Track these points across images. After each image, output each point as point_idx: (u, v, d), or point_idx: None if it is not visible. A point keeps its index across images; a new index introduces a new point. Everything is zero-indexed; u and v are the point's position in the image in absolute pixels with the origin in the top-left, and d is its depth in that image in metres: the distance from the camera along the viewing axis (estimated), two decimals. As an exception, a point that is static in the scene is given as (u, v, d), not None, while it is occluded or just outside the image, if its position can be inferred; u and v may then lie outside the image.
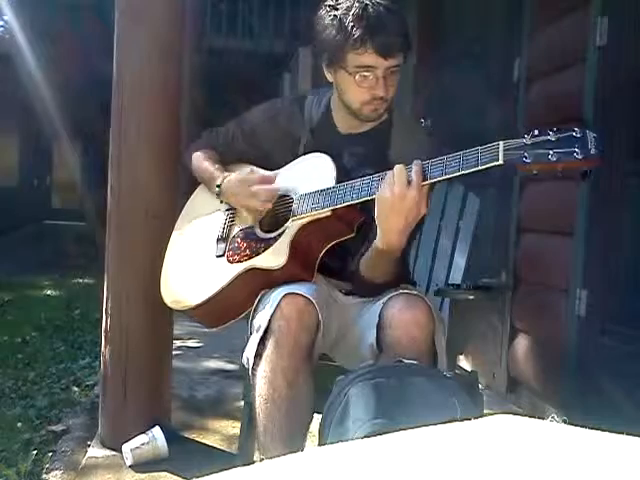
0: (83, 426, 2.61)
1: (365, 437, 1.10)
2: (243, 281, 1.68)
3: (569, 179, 1.36)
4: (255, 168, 1.84)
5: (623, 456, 0.56)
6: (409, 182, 1.43)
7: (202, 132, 2.01)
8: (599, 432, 0.61)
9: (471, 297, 1.92)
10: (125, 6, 2.30)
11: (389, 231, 1.47)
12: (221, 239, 1.80)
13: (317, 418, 1.48)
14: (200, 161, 1.91)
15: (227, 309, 1.72)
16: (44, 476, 2.19)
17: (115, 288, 2.33)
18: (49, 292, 5.93)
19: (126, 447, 2.19)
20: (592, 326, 2.45)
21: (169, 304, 1.84)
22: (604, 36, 2.41)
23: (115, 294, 2.32)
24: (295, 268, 1.62)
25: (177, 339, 3.06)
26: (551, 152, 1.31)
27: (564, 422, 0.65)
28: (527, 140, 1.33)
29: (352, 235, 1.64)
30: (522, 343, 2.92)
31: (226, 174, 1.81)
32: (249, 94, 3.90)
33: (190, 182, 1.99)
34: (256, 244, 1.71)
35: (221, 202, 1.84)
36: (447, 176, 1.42)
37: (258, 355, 1.52)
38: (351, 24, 1.55)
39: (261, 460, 1.56)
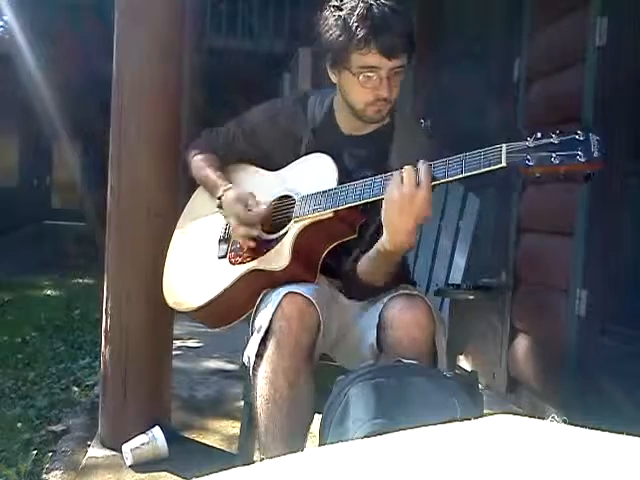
0: (83, 426, 2.61)
1: (365, 437, 1.10)
2: (246, 282, 1.67)
3: (570, 180, 1.36)
4: (261, 170, 1.83)
5: (623, 456, 0.56)
6: (418, 183, 1.42)
7: (202, 132, 2.00)
8: (599, 432, 0.61)
9: (471, 297, 1.93)
10: (125, 6, 2.30)
11: (398, 232, 1.46)
12: (223, 240, 1.80)
13: (317, 418, 1.49)
14: (201, 167, 1.88)
15: (229, 310, 1.72)
16: (44, 476, 2.19)
17: (115, 288, 2.33)
18: (49, 292, 5.94)
19: (126, 447, 2.20)
20: (592, 326, 2.45)
21: (171, 305, 1.84)
22: (604, 36, 2.41)
23: (115, 294, 2.32)
24: (298, 269, 1.62)
25: (177, 339, 3.06)
26: (554, 155, 1.30)
27: (564, 422, 0.65)
28: (530, 143, 1.33)
29: (354, 236, 1.64)
30: (522, 343, 2.92)
31: (227, 186, 1.78)
32: (249, 94, 3.90)
33: (191, 182, 1.98)
34: (258, 245, 1.71)
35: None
36: (450, 179, 1.42)
37: (259, 355, 1.52)
38: (355, 24, 1.55)
39: (261, 460, 1.56)
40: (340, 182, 1.61)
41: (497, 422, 0.65)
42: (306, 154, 1.75)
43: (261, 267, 1.66)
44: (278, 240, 1.67)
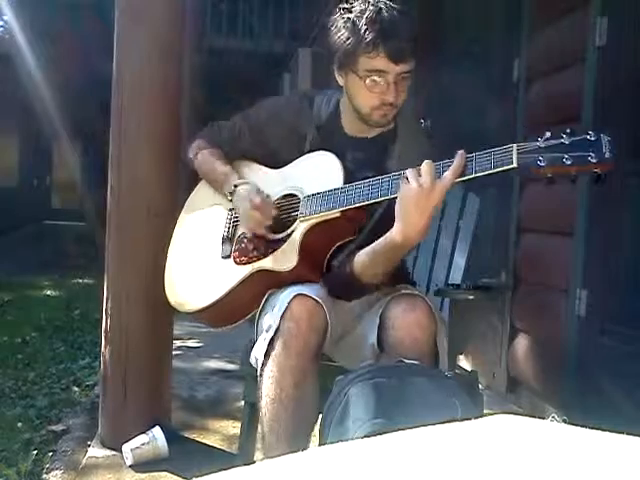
0: (83, 426, 2.61)
1: (365, 437, 1.10)
2: (251, 282, 1.67)
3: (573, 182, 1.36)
4: (264, 167, 1.83)
5: (623, 456, 0.56)
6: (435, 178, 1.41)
7: (204, 127, 1.98)
8: (599, 432, 0.61)
9: (471, 297, 1.92)
10: (125, 6, 2.30)
11: (412, 224, 1.44)
12: (226, 239, 1.79)
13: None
14: (210, 160, 1.87)
15: (234, 311, 1.71)
16: (44, 476, 2.19)
17: (115, 288, 2.33)
18: (49, 292, 5.94)
19: (126, 447, 2.20)
20: (592, 326, 2.45)
21: (172, 304, 1.83)
22: (603, 36, 2.41)
23: (115, 294, 2.32)
24: (304, 269, 1.62)
25: (177, 339, 3.06)
26: (566, 156, 1.30)
27: (564, 422, 0.65)
28: (541, 143, 1.32)
29: (354, 237, 1.64)
30: (522, 343, 2.92)
31: (242, 180, 1.78)
32: (249, 94, 3.89)
33: (191, 179, 1.98)
34: (264, 245, 1.70)
35: (230, 201, 1.80)
36: (461, 178, 1.40)
37: (266, 355, 1.52)
38: (364, 27, 1.54)
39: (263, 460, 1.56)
40: (345, 182, 1.61)
41: (497, 422, 0.65)
42: (310, 151, 1.74)
43: (269, 267, 1.65)
44: (284, 240, 1.66)
